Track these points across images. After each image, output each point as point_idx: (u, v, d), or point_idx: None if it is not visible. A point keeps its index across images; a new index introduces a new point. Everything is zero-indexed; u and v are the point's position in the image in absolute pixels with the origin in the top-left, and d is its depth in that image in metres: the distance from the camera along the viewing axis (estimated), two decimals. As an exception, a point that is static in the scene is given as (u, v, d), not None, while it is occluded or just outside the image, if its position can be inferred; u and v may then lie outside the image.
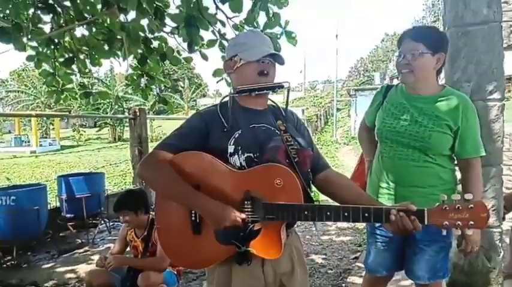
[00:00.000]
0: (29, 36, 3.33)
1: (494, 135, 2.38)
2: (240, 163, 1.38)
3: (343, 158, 15.27)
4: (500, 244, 2.52)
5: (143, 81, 3.89)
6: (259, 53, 1.43)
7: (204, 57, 3.56)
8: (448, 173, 1.86)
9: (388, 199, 1.89)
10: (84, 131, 27.91)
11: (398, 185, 1.87)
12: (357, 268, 3.56)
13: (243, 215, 1.30)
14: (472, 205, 1.20)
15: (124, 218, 2.85)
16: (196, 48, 3.35)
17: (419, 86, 1.84)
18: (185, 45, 3.32)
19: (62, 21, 3.40)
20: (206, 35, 3.35)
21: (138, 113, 6.07)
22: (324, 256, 4.02)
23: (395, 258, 2.00)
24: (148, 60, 3.68)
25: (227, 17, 3.25)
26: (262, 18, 3.17)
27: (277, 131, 1.48)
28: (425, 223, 1.23)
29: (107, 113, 26.54)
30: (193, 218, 1.39)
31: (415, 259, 1.90)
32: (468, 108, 1.78)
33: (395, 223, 1.24)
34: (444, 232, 1.23)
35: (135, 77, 3.85)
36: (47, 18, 3.38)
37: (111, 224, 5.30)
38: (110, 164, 13.96)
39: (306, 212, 1.30)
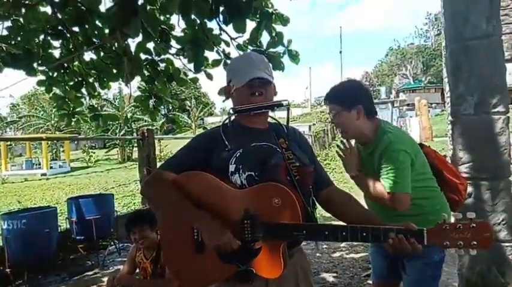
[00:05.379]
0: (39, 62, 3.43)
1: (501, 148, 2.37)
2: (241, 182, 1.39)
3: (352, 174, 15.14)
4: (513, 258, 2.48)
5: (151, 102, 3.96)
6: (245, 79, 1.46)
7: (209, 76, 3.62)
8: (422, 202, 1.86)
9: None
10: (94, 153, 28.14)
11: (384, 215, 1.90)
12: (368, 285, 3.50)
13: (238, 242, 1.30)
14: (474, 224, 1.16)
15: (141, 234, 2.82)
16: (201, 68, 3.42)
17: (358, 139, 1.98)
18: (191, 65, 3.39)
19: (70, 46, 3.50)
20: (211, 55, 3.43)
21: (146, 134, 6.13)
22: (334, 274, 3.96)
23: (390, 266, 2.01)
24: (155, 82, 3.76)
25: (231, 38, 3.32)
26: (265, 38, 3.24)
27: (278, 149, 1.49)
28: (425, 243, 1.20)
29: (116, 134, 26.80)
30: (195, 237, 1.40)
31: (402, 273, 1.93)
32: (383, 157, 1.82)
33: (393, 245, 1.23)
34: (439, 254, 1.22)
35: (143, 99, 3.92)
36: (56, 43, 3.49)
37: (121, 245, 5.29)
38: (119, 185, 14.02)
39: (304, 231, 1.30)
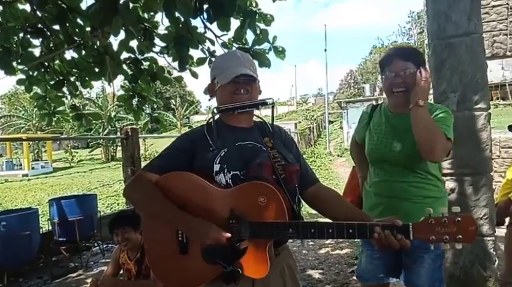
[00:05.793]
0: (19, 61, 3.34)
1: (482, 144, 2.42)
2: (226, 181, 1.37)
3: (338, 170, 15.30)
4: (494, 252, 2.53)
5: (135, 101, 3.90)
6: (230, 75, 1.43)
7: (194, 75, 3.59)
8: (439, 184, 1.88)
9: (386, 213, 1.89)
10: (77, 152, 27.69)
11: (392, 199, 1.89)
12: (354, 282, 3.53)
13: (228, 234, 1.29)
14: (459, 218, 1.17)
15: (123, 236, 2.79)
16: (186, 66, 3.38)
17: (408, 105, 1.78)
18: (175, 64, 3.35)
19: (51, 45, 3.42)
20: (196, 53, 3.39)
21: (130, 133, 6.05)
22: (320, 271, 3.99)
23: (387, 266, 2.00)
24: (139, 81, 3.70)
25: (216, 36, 3.29)
26: (250, 35, 3.23)
27: (263, 148, 1.47)
28: (411, 238, 1.21)
29: (99, 133, 26.43)
30: (180, 238, 1.38)
31: (413, 267, 1.90)
32: (438, 114, 1.80)
33: (380, 240, 1.23)
34: (432, 246, 1.21)
35: (126, 98, 3.86)
36: (36, 42, 3.41)
37: (104, 246, 5.22)
38: (103, 185, 13.82)
39: (290, 230, 1.29)
